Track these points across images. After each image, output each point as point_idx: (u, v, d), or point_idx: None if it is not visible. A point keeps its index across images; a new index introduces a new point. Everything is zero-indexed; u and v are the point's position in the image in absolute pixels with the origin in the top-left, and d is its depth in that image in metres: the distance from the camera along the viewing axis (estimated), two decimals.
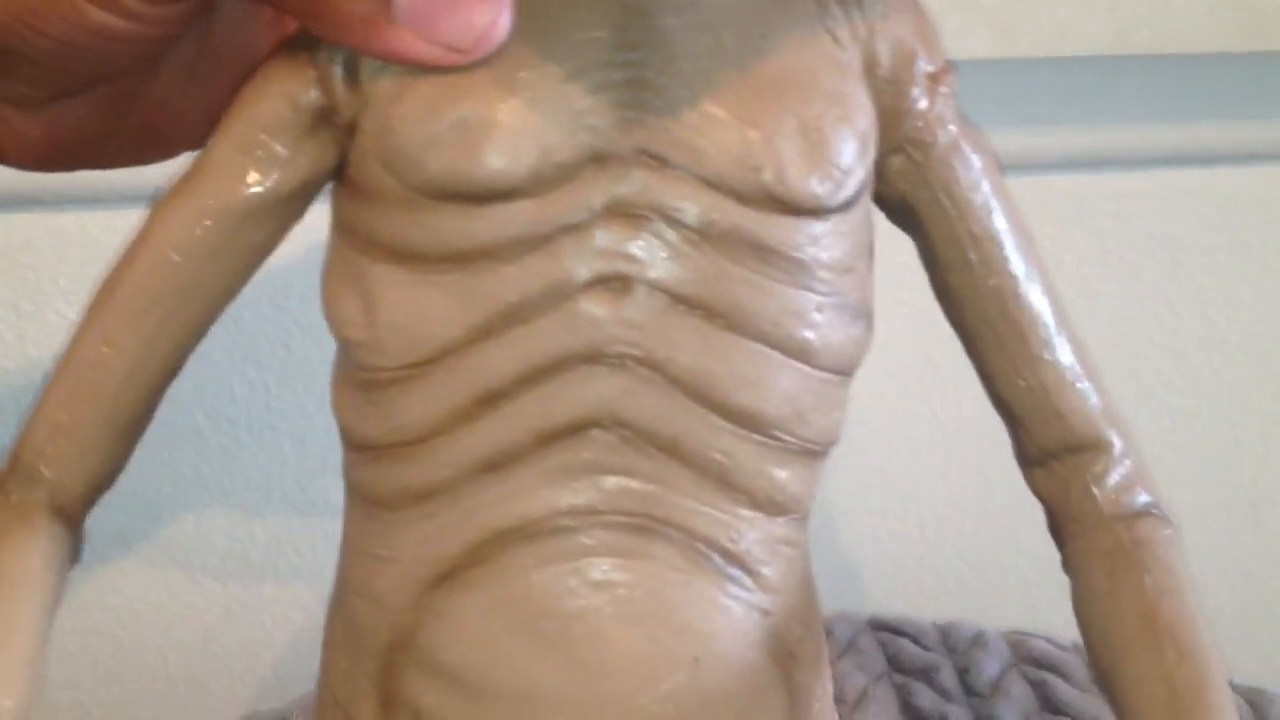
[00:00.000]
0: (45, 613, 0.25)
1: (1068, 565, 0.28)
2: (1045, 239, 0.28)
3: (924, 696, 0.43)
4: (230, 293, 0.26)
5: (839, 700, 0.42)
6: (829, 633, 0.45)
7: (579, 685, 0.25)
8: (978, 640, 0.45)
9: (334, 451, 0.50)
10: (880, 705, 0.43)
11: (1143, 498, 0.28)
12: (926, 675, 0.44)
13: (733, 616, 0.25)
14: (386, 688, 0.26)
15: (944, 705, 0.42)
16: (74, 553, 0.27)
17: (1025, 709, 0.43)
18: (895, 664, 0.45)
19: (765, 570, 0.26)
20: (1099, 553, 0.28)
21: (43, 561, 0.26)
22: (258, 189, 0.25)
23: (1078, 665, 0.44)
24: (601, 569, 0.25)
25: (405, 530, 0.25)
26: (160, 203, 0.25)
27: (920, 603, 0.51)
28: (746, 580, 0.26)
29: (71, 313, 0.27)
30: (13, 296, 0.49)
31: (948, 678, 0.44)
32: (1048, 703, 0.43)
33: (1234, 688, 0.43)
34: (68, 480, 0.26)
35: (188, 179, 0.25)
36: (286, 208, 0.26)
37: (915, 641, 0.46)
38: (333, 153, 0.25)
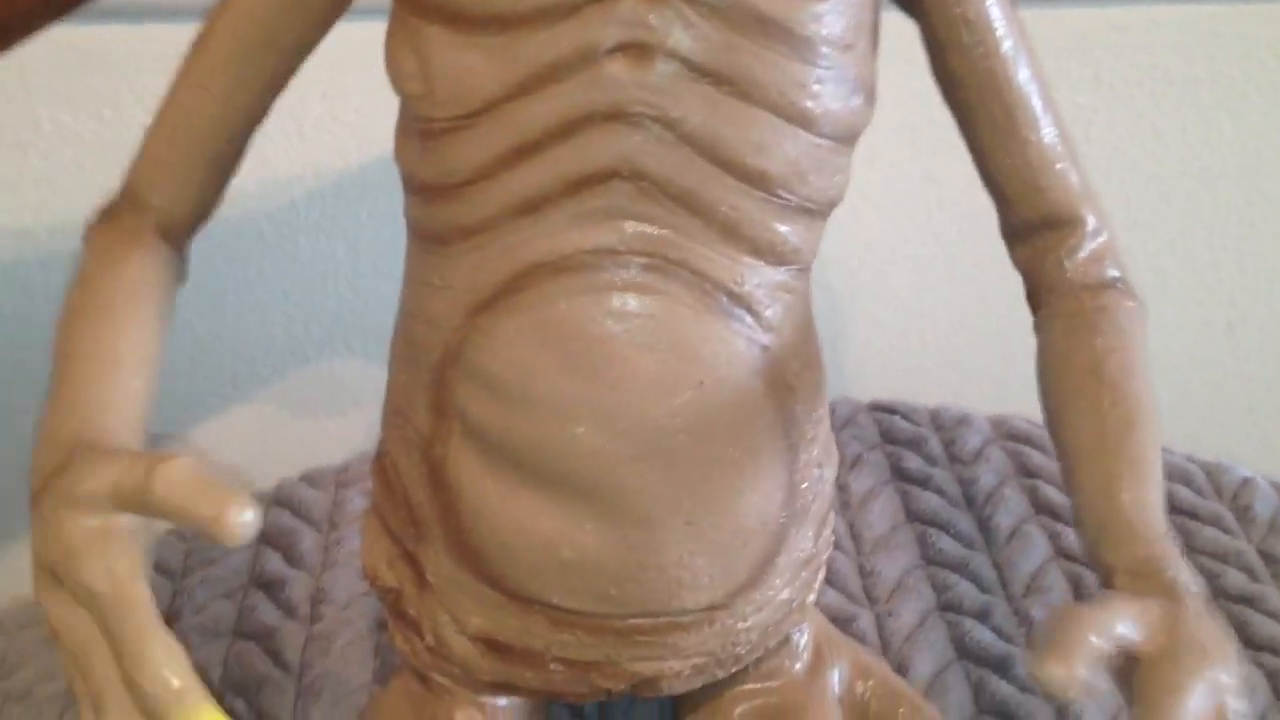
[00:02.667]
0: (162, 318, 0.30)
1: (1036, 329, 0.31)
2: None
3: (912, 461, 0.47)
4: (306, 47, 0.30)
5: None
6: (832, 411, 0.48)
7: (599, 398, 0.28)
8: (963, 419, 0.49)
9: (382, 256, 0.54)
10: (872, 467, 0.47)
11: (1111, 271, 0.31)
12: (915, 445, 0.48)
13: (735, 348, 0.28)
14: (439, 396, 0.29)
15: (929, 468, 0.47)
16: (181, 274, 0.32)
17: (1002, 472, 0.47)
18: (888, 436, 0.49)
19: (766, 311, 0.29)
20: (1062, 315, 0.31)
21: (156, 274, 0.30)
22: None
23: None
24: (622, 300, 0.28)
25: (456, 262, 0.29)
26: None
27: (919, 390, 0.54)
28: (748, 319, 0.29)
29: (148, 119, 0.31)
30: (95, 103, 0.52)
31: (934, 448, 0.48)
32: (1023, 468, 0.47)
33: (1192, 460, 0.47)
34: (172, 206, 0.31)
35: None
36: None
37: (906, 419, 0.50)
38: None
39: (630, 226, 0.28)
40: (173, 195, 0.31)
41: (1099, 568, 0.28)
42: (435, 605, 0.32)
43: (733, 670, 0.33)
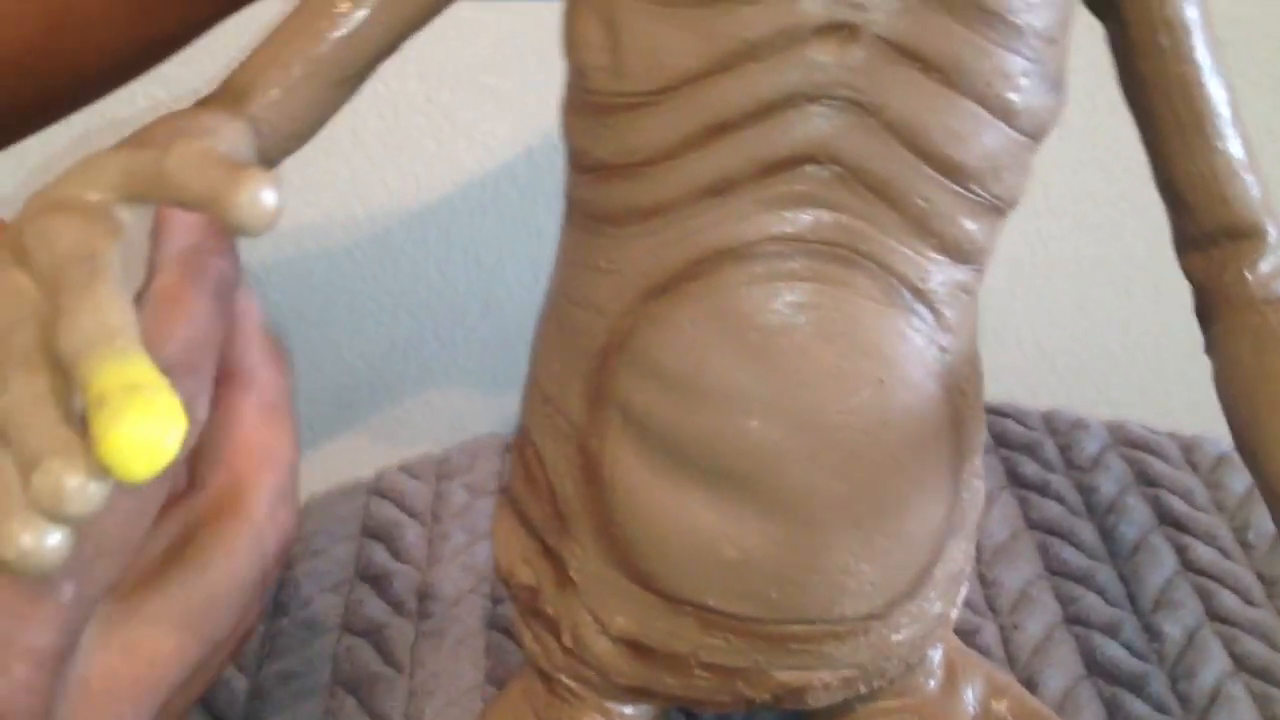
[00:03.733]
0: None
1: (1213, 344, 0.30)
2: None
3: (1028, 467, 0.46)
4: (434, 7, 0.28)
5: None
6: None
7: (775, 391, 0.27)
8: (1079, 424, 0.48)
9: (475, 241, 0.52)
10: (988, 472, 0.45)
11: None
12: (1030, 450, 0.47)
13: (916, 347, 0.27)
14: (599, 385, 0.28)
15: (1047, 474, 0.45)
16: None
17: (1123, 481, 0.45)
18: (1001, 440, 0.48)
19: (947, 311, 0.28)
20: (1247, 330, 0.29)
21: (244, 134, 0.27)
22: None
23: (1172, 447, 0.47)
24: (804, 291, 0.27)
25: (629, 245, 0.27)
26: None
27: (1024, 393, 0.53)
28: (930, 317, 0.28)
29: None
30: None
31: (1050, 453, 0.47)
32: (1144, 476, 0.46)
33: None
34: (272, 113, 0.27)
35: None
36: None
37: (1020, 422, 0.48)
38: None
39: (819, 214, 0.27)
40: (273, 106, 0.27)
41: None
42: (577, 604, 0.30)
43: (876, 685, 0.32)
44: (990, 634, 0.39)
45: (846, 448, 0.27)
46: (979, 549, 0.43)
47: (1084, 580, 0.41)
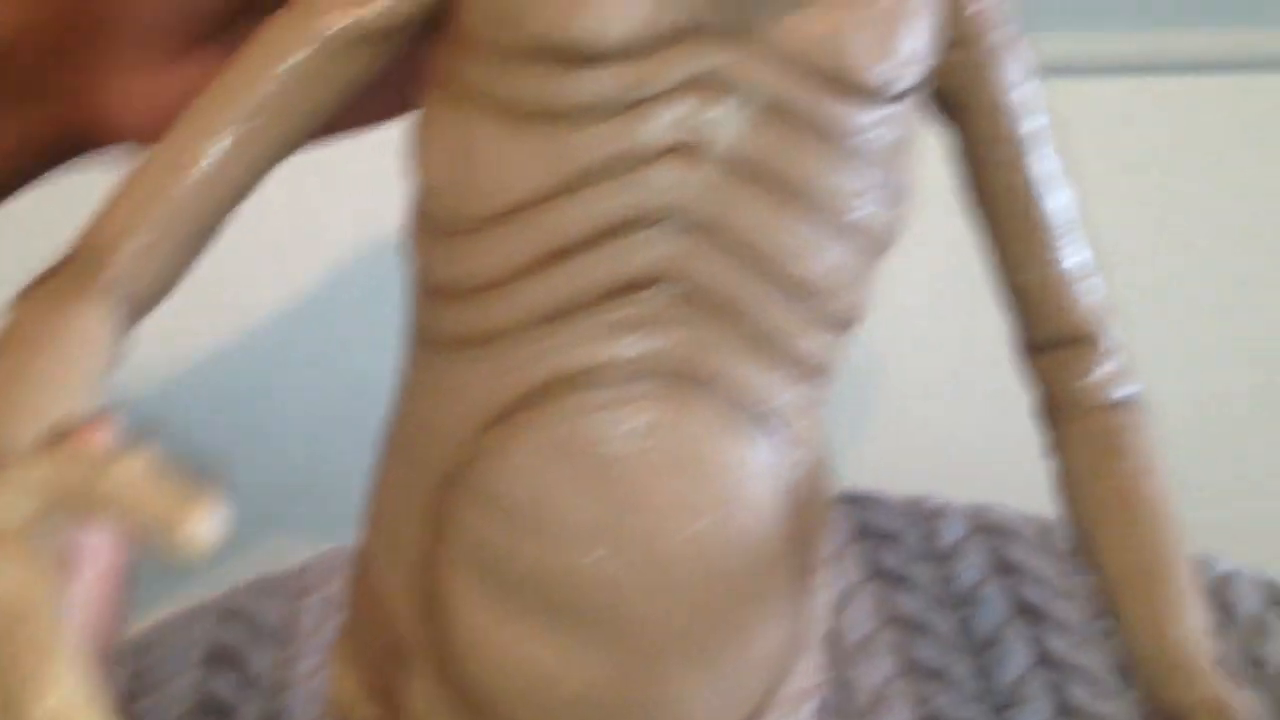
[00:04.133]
0: (100, 381, 0.25)
1: (1055, 448, 0.31)
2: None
3: (891, 558, 0.46)
4: (316, 120, 0.27)
5: None
6: None
7: (616, 522, 0.26)
8: (941, 511, 0.48)
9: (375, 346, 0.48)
10: (850, 563, 0.45)
11: (1128, 389, 0.31)
12: (893, 539, 0.47)
13: (762, 467, 0.27)
14: (437, 515, 0.27)
15: (908, 565, 0.45)
16: (122, 351, 0.26)
17: (983, 569, 0.46)
18: (864, 531, 0.48)
19: (794, 426, 0.28)
20: (1084, 437, 0.30)
21: (99, 327, 0.25)
22: (363, 20, 0.26)
23: (1031, 531, 0.47)
24: (647, 417, 0.26)
25: (468, 370, 0.27)
26: (269, 22, 0.26)
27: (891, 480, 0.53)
28: (777, 435, 0.27)
29: None
30: None
31: (913, 542, 0.47)
32: (1002, 564, 0.46)
33: None
34: (132, 275, 0.26)
35: (299, 1, 0.26)
36: (387, 43, 0.26)
37: (883, 511, 0.48)
38: None
39: (663, 336, 0.26)
40: (135, 263, 0.26)
41: (1163, 705, 0.27)
42: None
43: None
44: None
45: (688, 577, 0.27)
46: (838, 647, 0.42)
47: (939, 676, 0.41)
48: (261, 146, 0.26)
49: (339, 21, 0.25)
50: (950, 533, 0.47)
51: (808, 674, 0.31)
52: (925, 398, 0.61)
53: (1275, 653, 0.43)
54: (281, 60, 0.26)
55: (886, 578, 0.45)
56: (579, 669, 0.27)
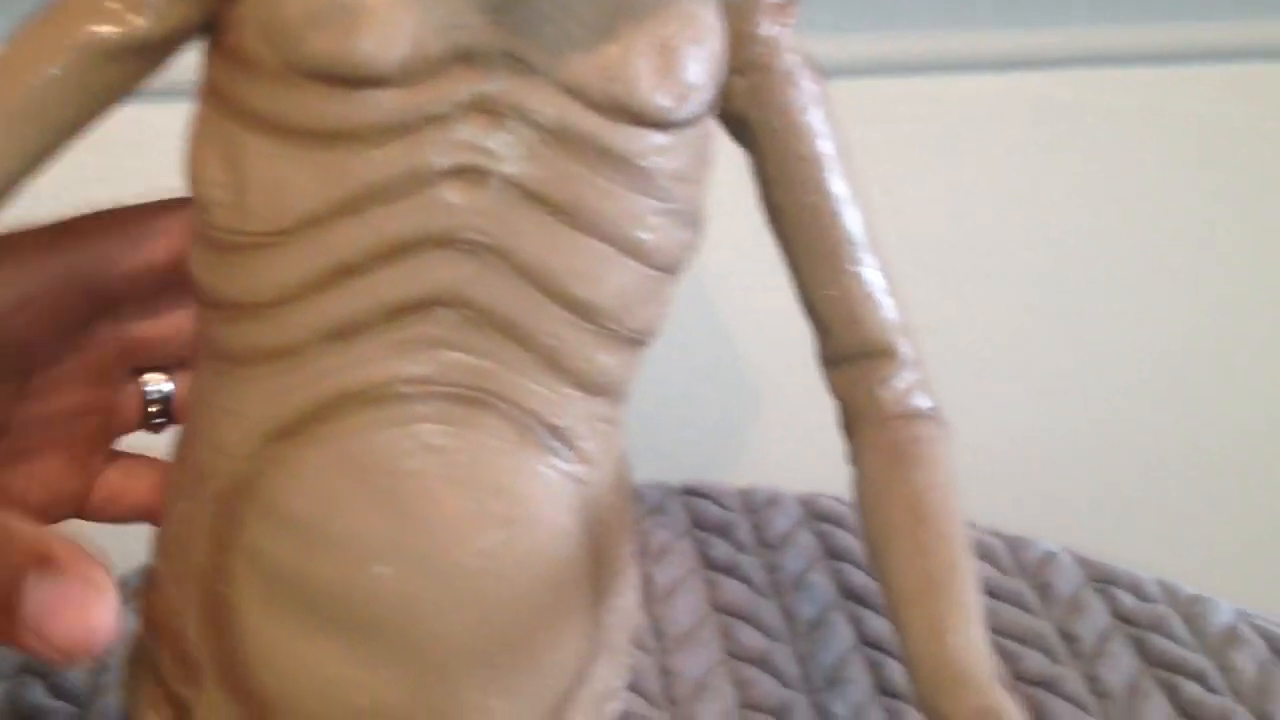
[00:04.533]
0: None
1: (852, 458, 0.32)
2: None
3: (720, 549, 0.47)
4: (75, 129, 0.26)
5: (643, 553, 0.46)
6: (641, 497, 0.48)
7: (404, 537, 0.26)
8: (773, 500, 0.49)
9: None
10: (680, 557, 0.46)
11: (923, 401, 0.31)
12: (724, 531, 0.48)
13: (550, 484, 0.27)
14: (224, 529, 0.27)
15: (737, 555, 0.46)
16: None
17: (810, 557, 0.47)
18: (698, 523, 0.48)
19: (584, 444, 0.28)
20: (879, 447, 0.31)
21: None
22: (125, 31, 0.25)
23: (855, 517, 0.48)
24: (434, 434, 0.26)
25: (253, 386, 0.27)
26: (29, 25, 0.25)
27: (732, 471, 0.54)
28: (565, 452, 0.28)
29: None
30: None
31: (744, 533, 0.48)
32: (830, 550, 0.47)
33: (997, 535, 0.48)
34: None
35: (59, 6, 0.25)
36: (150, 56, 0.26)
37: (717, 503, 0.49)
38: (204, 12, 0.25)
39: (449, 356, 0.26)
40: None
41: (938, 713, 0.28)
42: None
43: None
44: None
45: (476, 591, 0.27)
46: (662, 638, 0.43)
47: (761, 663, 0.42)
48: (14, 147, 0.25)
49: (95, 34, 0.25)
50: (781, 522, 0.48)
51: (609, 676, 0.31)
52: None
53: (1089, 630, 0.45)
54: (37, 67, 0.25)
55: (715, 568, 0.46)
56: (370, 682, 0.27)
